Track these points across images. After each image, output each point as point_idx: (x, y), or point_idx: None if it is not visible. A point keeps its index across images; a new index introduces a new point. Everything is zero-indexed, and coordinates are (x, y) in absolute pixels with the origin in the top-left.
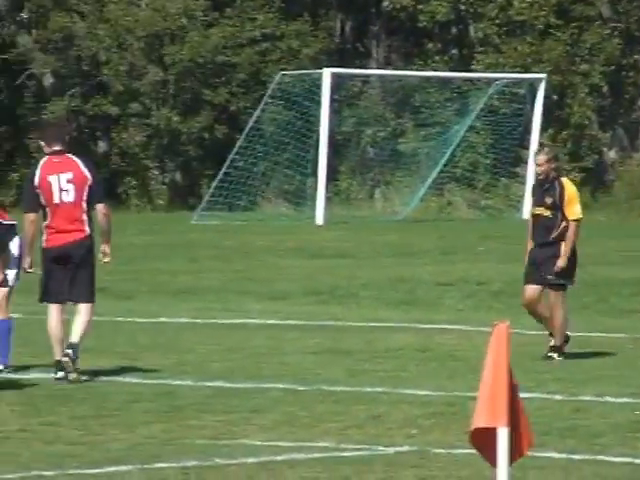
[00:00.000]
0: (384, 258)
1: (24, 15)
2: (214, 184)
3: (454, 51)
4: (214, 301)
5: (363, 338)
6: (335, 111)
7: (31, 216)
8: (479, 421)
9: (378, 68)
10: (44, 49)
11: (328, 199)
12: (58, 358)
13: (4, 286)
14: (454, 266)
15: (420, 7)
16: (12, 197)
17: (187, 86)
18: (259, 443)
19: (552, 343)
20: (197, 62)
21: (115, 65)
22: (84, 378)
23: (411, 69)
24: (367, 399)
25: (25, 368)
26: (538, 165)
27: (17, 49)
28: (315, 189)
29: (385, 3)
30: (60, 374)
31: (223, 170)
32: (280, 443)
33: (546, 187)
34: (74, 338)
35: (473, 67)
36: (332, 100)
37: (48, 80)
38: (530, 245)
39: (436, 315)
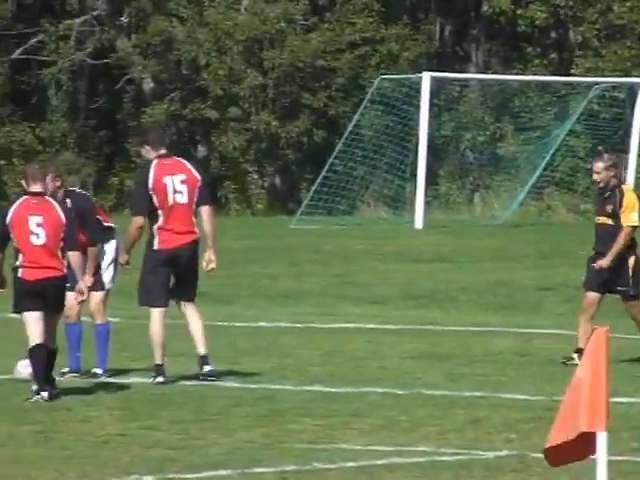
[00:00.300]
0: (483, 262)
1: (124, 19)
2: (313, 188)
3: (554, 55)
4: (313, 305)
5: (462, 342)
6: (434, 115)
7: (140, 219)
8: (580, 426)
9: (477, 72)
10: (144, 53)
11: (427, 203)
12: (159, 362)
13: (100, 290)
14: (554, 270)
15: (519, 12)
16: (111, 201)
17: (286, 90)
18: (358, 447)
19: None
20: (296, 66)
21: (214, 69)
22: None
23: (510, 73)
24: (466, 403)
25: (124, 372)
26: (596, 173)
27: (117, 54)
28: (414, 193)
29: (484, 7)
30: (160, 379)
31: (322, 174)
32: (379, 447)
33: (607, 195)
34: (204, 350)
35: (573, 71)
36: (431, 104)
37: (147, 84)
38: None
39: (535, 319)
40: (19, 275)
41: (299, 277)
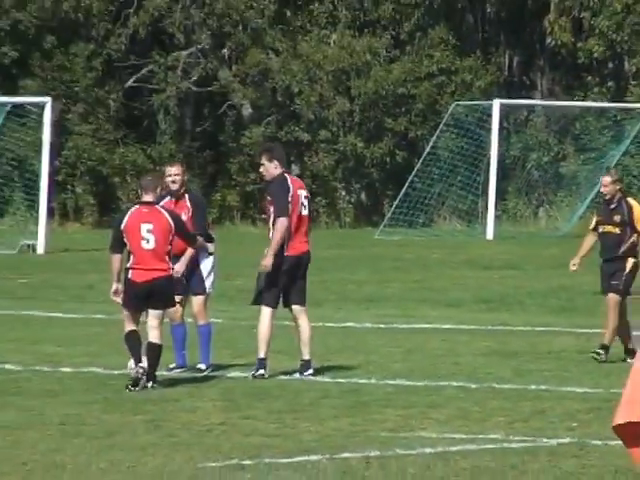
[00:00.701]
0: (547, 269)
1: (225, 52)
2: (395, 203)
3: (610, 84)
4: (395, 308)
5: (528, 341)
6: (503, 137)
7: (287, 220)
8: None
9: (542, 99)
10: (243, 82)
11: (497, 217)
12: (262, 356)
13: (202, 294)
14: None
15: (579, 45)
16: (214, 215)
17: (371, 115)
18: (435, 435)
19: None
20: (380, 94)
21: (306, 96)
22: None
23: (572, 99)
24: (532, 396)
25: (226, 367)
26: (604, 186)
27: (219, 82)
28: (485, 208)
29: (548, 40)
30: (261, 371)
31: (403, 191)
32: (454, 435)
33: (613, 206)
34: (308, 356)
35: (628, 98)
36: (501, 128)
37: (246, 110)
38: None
39: (594, 320)
40: (129, 276)
41: (382, 283)
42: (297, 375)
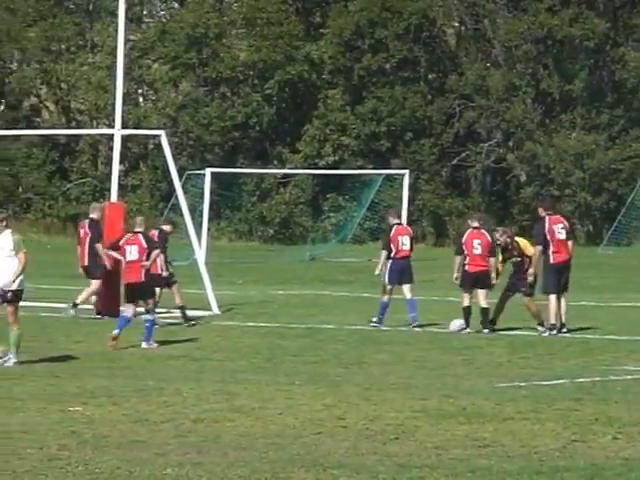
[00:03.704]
0: None
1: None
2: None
3: None
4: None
5: None
6: None
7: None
8: None
9: None
10: (521, 161)
11: None
12: (553, 322)
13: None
14: None
15: None
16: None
17: None
18: None
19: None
20: None
21: None
22: None
23: None
24: None
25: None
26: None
27: (506, 162)
28: None
29: None
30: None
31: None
32: None
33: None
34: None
35: None
36: None
37: (522, 177)
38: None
39: None
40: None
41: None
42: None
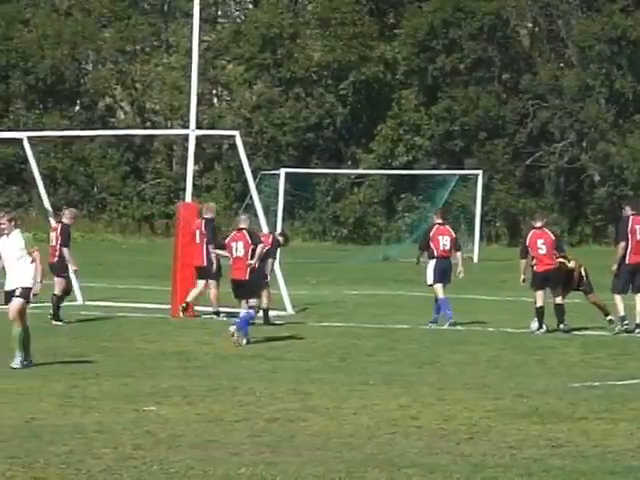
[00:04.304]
0: None
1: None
2: None
3: None
4: None
5: None
6: None
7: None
8: None
9: None
10: (594, 160)
11: None
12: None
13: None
14: None
15: None
16: None
17: None
18: None
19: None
20: None
21: None
22: None
23: None
24: None
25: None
26: None
27: (580, 162)
28: None
29: None
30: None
31: None
32: None
33: None
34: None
35: None
36: None
37: (596, 177)
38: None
39: None
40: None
41: None
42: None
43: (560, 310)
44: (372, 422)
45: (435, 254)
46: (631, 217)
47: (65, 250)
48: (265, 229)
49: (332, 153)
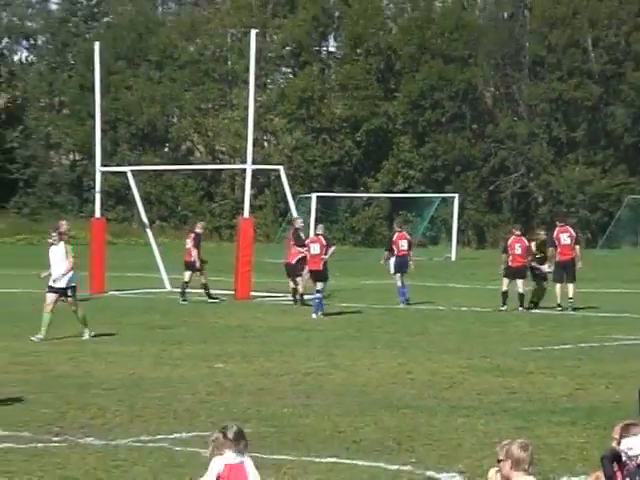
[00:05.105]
0: None
1: None
2: None
3: None
4: None
5: None
6: None
7: None
8: None
9: None
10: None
11: None
12: None
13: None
14: None
15: None
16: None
17: None
18: None
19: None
20: None
21: None
22: None
23: None
24: None
25: None
26: None
27: None
28: None
29: None
30: None
31: None
32: None
33: None
34: None
35: None
36: None
37: None
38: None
39: None
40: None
41: None
42: None
43: (521, 297)
44: (379, 375)
45: (396, 253)
46: (557, 228)
47: (195, 252)
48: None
49: (349, 182)
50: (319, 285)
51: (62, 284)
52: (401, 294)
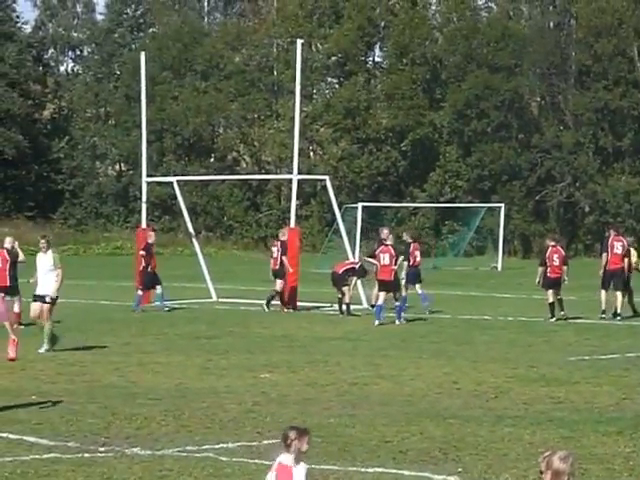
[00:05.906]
0: None
1: None
2: None
3: None
4: None
5: None
6: None
7: None
8: None
9: None
10: None
11: None
12: None
13: None
14: None
15: None
16: None
17: None
18: None
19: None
20: None
21: None
22: None
23: None
24: None
25: None
26: None
27: None
28: None
29: None
30: None
31: None
32: None
33: None
34: None
35: None
36: None
37: None
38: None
39: None
40: None
41: None
42: None
43: (560, 302)
44: (424, 385)
45: (411, 263)
46: (611, 237)
47: (284, 258)
48: (348, 247)
49: (395, 192)
50: (397, 295)
51: (49, 292)
52: (423, 299)
